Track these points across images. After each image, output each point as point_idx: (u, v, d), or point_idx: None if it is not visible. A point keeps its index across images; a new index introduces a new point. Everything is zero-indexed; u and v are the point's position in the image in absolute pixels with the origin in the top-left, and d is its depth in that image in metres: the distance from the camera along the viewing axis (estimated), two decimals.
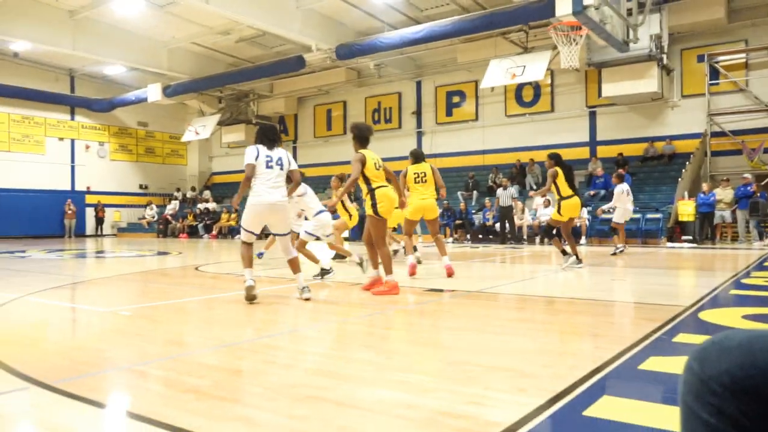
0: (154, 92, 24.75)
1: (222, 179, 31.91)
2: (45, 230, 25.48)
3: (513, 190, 17.29)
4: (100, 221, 26.91)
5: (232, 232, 24.12)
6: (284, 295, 6.40)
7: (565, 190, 8.05)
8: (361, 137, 6.22)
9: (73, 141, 27.45)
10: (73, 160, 27.32)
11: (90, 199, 27.14)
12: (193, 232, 25.51)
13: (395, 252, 10.86)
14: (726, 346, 0.89)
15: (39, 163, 26.00)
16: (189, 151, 32.16)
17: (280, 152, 5.68)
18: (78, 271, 9.93)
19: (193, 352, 3.67)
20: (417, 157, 7.56)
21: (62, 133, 27.08)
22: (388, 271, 6.15)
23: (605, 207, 12.32)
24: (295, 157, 28.72)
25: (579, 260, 8.37)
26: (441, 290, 6.38)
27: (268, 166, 5.56)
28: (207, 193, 28.95)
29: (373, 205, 6.11)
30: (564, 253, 8.42)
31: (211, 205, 26.59)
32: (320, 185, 26.64)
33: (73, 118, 27.50)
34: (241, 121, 27.56)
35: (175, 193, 29.95)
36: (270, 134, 5.62)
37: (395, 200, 6.21)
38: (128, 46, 22.03)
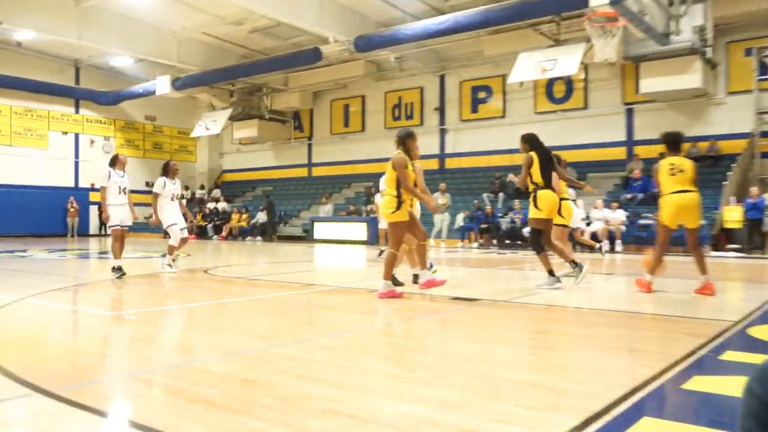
0: (162, 85, 24.99)
1: (232, 177, 32.08)
2: (47, 229, 25.83)
3: None
4: (103, 221, 27.33)
5: (244, 233, 24.24)
6: (296, 302, 6.43)
7: (539, 179, 7.24)
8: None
9: (77, 135, 27.78)
10: (77, 156, 27.66)
11: (94, 196, 27.49)
12: (201, 233, 25.69)
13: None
14: None
15: (41, 159, 26.36)
16: (198, 147, 32.40)
17: None
18: (81, 272, 10.05)
19: (201, 359, 3.69)
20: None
21: (66, 126, 27.44)
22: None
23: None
24: (310, 155, 28.77)
25: (576, 267, 7.40)
26: (465, 299, 6.35)
27: None
28: (217, 192, 29.15)
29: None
30: (551, 273, 7.23)
31: (221, 205, 26.76)
32: (337, 185, 26.69)
33: (77, 111, 27.84)
34: (254, 116, 27.71)
35: (184, 192, 30.22)
36: None
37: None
38: (136, 36, 22.27)
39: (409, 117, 25.43)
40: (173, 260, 10.03)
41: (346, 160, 26.94)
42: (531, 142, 7.32)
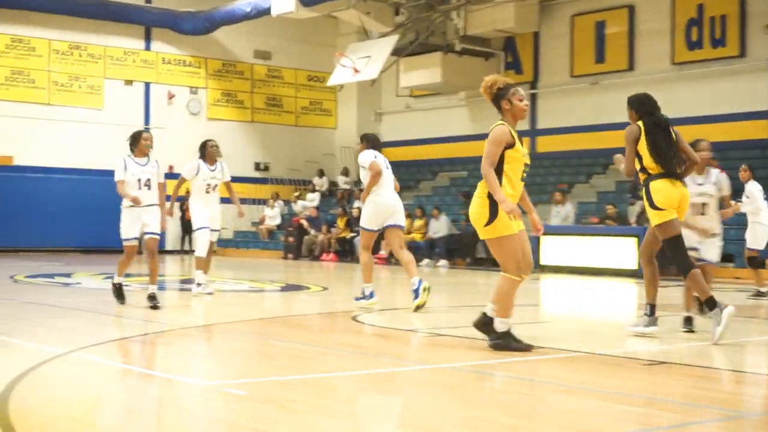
0: None
1: (398, 155, 32.69)
2: (102, 239, 27.74)
3: None
4: (188, 228, 28.60)
5: (417, 252, 24.59)
6: (509, 376, 6.45)
7: (651, 163, 8.10)
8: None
9: (147, 86, 30.00)
10: (147, 119, 29.78)
11: (173, 187, 29.33)
12: (345, 252, 26.47)
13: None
14: None
15: (94, 125, 28.62)
16: (341, 103, 33.64)
17: None
18: (154, 312, 10.80)
19: None
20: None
21: (131, 72, 29.72)
22: None
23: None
24: (534, 115, 28.61)
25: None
26: None
27: None
28: None
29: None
30: (707, 305, 8.00)
31: None
32: (582, 168, 26.35)
33: (148, 47, 30.05)
34: (436, 48, 28.06)
35: (316, 180, 31.31)
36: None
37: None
38: None
39: (718, 42, 24.53)
40: (204, 282, 12.21)
41: (598, 123, 26.50)
42: (640, 106, 8.34)
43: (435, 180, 30.16)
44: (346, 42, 29.95)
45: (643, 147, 8.08)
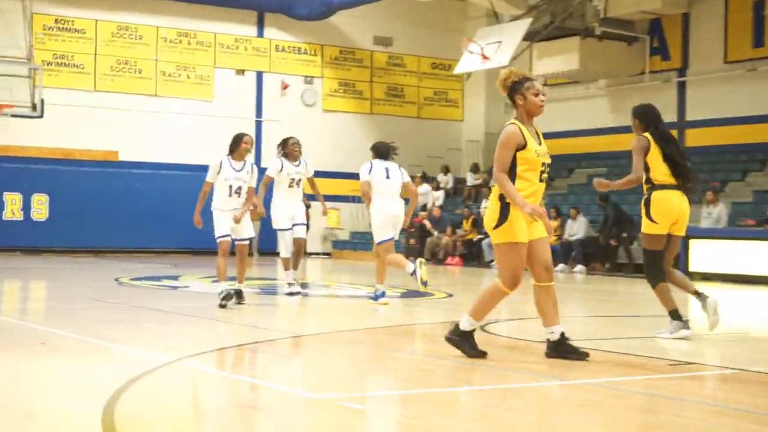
0: None
1: None
2: (209, 241, 28.24)
3: None
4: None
5: (552, 255, 24.42)
6: (657, 394, 6.35)
7: (660, 173, 8.94)
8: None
9: (260, 75, 30.51)
10: (259, 112, 30.27)
11: (261, 187, 29.68)
12: (473, 255, 26.49)
13: None
14: None
15: (202, 118, 29.29)
16: (468, 94, 33.65)
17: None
18: (265, 317, 10.94)
19: None
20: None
21: (242, 61, 30.28)
22: None
23: None
24: (682, 105, 28.14)
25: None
26: None
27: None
28: None
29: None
30: (675, 315, 9.02)
31: None
32: (737, 164, 25.84)
33: (261, 34, 30.52)
34: (573, 32, 27.81)
35: (441, 177, 31.33)
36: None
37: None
38: None
39: None
40: (294, 280, 13.35)
41: (756, 114, 25.99)
42: (645, 117, 9.29)
43: (571, 177, 29.88)
44: (474, 26, 29.97)
45: (653, 158, 8.95)
